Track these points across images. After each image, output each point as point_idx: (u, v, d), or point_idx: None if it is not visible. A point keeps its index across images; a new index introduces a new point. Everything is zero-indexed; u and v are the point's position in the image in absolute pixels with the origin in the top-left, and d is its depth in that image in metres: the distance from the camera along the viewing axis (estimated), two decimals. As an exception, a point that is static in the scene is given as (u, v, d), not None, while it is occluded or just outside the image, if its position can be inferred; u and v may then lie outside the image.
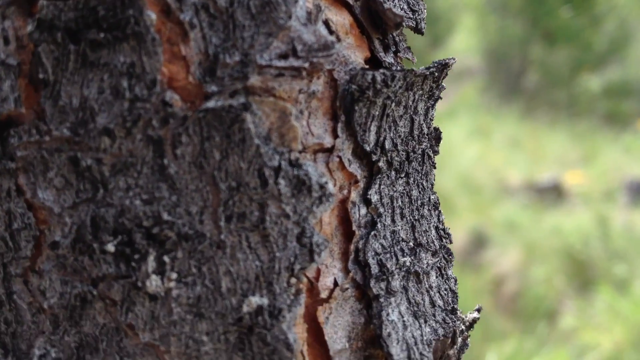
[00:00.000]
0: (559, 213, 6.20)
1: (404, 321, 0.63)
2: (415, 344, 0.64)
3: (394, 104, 0.61)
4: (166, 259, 0.54)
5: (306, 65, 0.54)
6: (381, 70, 0.58)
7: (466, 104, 10.57)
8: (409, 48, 0.69)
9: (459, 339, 0.75)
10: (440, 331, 0.67)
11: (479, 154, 8.22)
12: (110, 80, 0.52)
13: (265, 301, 0.56)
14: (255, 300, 0.56)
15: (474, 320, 0.78)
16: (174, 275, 0.54)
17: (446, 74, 0.66)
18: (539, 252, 5.68)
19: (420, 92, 0.64)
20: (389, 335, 0.62)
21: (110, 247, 0.53)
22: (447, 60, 0.65)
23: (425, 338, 0.65)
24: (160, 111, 0.52)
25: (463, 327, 0.76)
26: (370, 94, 0.58)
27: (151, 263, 0.54)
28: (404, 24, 0.62)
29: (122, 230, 0.53)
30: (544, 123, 9.00)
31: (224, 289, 0.55)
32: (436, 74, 0.63)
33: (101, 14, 0.51)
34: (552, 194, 6.73)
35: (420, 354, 0.64)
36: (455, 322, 0.68)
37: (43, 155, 0.53)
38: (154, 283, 0.54)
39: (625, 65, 10.25)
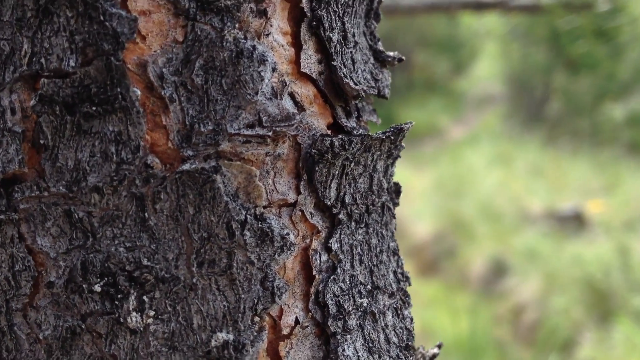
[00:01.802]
0: (580, 242, 6.17)
1: (358, 356, 0.71)
2: (369, 376, 0.72)
3: (353, 164, 0.70)
4: (145, 298, 0.63)
5: (270, 133, 0.63)
6: (339, 136, 0.67)
7: (488, 130, 10.60)
8: (374, 110, 0.78)
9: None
10: (394, 366, 0.75)
11: (500, 181, 8.22)
12: (100, 146, 0.61)
13: (231, 337, 0.64)
14: (222, 336, 0.64)
15: (434, 356, 0.85)
16: (152, 313, 0.63)
17: (403, 136, 0.74)
18: (559, 281, 5.65)
19: (379, 152, 0.72)
20: None
21: (97, 288, 0.62)
22: (402, 126, 0.73)
23: (379, 372, 0.73)
24: (143, 172, 0.61)
25: (423, 361, 0.84)
26: (329, 156, 0.66)
27: (132, 302, 0.62)
28: (362, 94, 0.71)
29: (107, 273, 0.62)
30: (567, 151, 8.99)
31: (195, 325, 0.64)
32: (392, 137, 0.72)
33: (93, 91, 0.60)
34: (574, 223, 6.70)
35: (374, 385, 0.72)
36: (408, 357, 0.76)
37: (42, 208, 0.62)
38: (134, 319, 0.63)
39: (649, 94, 10.22)
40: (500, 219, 7.25)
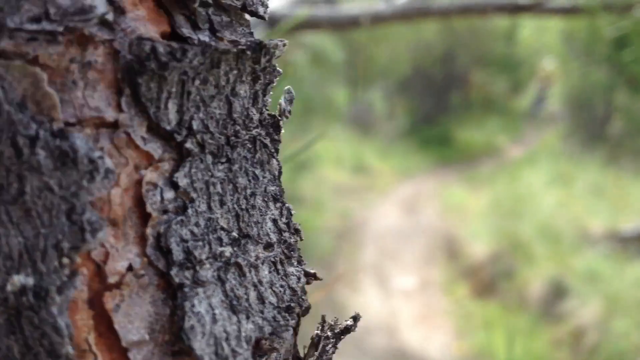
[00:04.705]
0: (643, 264, 5.98)
1: (214, 314, 0.59)
2: (227, 339, 0.59)
3: (197, 82, 0.58)
4: None
5: (60, 29, 0.51)
6: (165, 42, 0.55)
7: (547, 150, 10.32)
8: (251, 33, 0.65)
9: (321, 345, 0.70)
10: (267, 329, 0.62)
11: (560, 201, 8.00)
12: None
13: (30, 281, 0.53)
14: (19, 279, 0.52)
15: (347, 329, 0.72)
16: None
17: (269, 55, 0.62)
18: (621, 304, 5.48)
19: (236, 71, 0.60)
20: (192, 327, 0.57)
21: None
22: (262, 41, 0.61)
23: (244, 335, 0.60)
24: None
25: (329, 333, 0.71)
26: (154, 67, 0.54)
27: None
28: (208, -2, 0.59)
29: None
30: (629, 171, 8.70)
31: (-15, 266, 0.53)
32: (249, 52, 0.60)
33: None
34: (636, 244, 6.48)
35: (233, 350, 0.59)
36: (289, 321, 0.64)
37: None
38: None
39: None
40: (559, 240, 7.07)
